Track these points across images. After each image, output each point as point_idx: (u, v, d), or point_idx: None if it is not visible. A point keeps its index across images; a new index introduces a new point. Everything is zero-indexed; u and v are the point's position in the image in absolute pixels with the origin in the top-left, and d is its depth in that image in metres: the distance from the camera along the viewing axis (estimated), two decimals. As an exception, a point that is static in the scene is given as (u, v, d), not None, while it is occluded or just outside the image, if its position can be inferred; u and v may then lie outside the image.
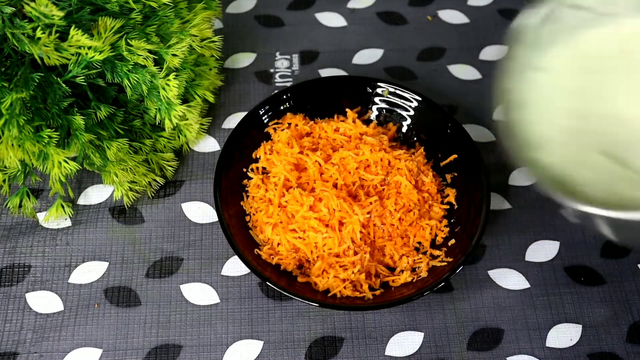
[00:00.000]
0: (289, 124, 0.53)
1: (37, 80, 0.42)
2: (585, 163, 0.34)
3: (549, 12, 0.36)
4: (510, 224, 0.51)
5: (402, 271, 0.47)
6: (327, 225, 0.47)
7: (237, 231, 0.47)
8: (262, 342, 0.46)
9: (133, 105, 0.50)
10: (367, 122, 0.54)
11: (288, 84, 0.58)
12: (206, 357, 0.46)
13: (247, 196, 0.51)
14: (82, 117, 0.45)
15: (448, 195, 0.50)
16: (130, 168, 0.49)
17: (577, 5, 0.36)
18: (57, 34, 0.41)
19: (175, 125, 0.50)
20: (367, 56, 0.61)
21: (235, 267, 0.49)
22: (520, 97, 0.36)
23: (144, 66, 0.46)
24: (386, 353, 0.46)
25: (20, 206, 0.50)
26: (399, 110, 0.54)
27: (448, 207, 0.50)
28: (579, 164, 0.34)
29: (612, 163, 0.33)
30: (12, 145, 0.42)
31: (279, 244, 0.48)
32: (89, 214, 0.51)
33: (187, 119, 0.51)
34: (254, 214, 0.50)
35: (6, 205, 0.50)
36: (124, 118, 0.49)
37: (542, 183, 0.34)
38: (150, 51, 0.46)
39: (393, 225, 0.48)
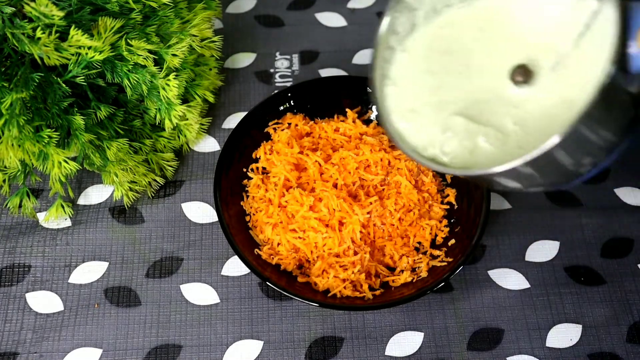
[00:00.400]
0: (289, 124, 0.53)
1: (37, 80, 0.42)
2: (448, 127, 0.37)
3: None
4: (510, 224, 0.51)
5: (402, 271, 0.47)
6: (327, 225, 0.47)
7: (237, 231, 0.47)
8: (262, 342, 0.46)
9: (133, 105, 0.50)
10: (367, 122, 0.54)
11: (288, 84, 0.58)
12: (206, 357, 0.46)
13: (247, 196, 0.51)
14: (82, 117, 0.45)
15: (448, 195, 0.50)
16: (130, 168, 0.49)
17: None
18: (57, 34, 0.41)
19: (175, 125, 0.50)
20: (367, 56, 0.61)
21: (235, 267, 0.49)
22: (389, 75, 0.41)
23: (144, 66, 0.46)
24: (386, 353, 0.46)
25: (20, 206, 0.50)
26: (399, 110, 0.54)
27: (448, 207, 0.50)
28: (443, 128, 0.37)
29: (470, 122, 0.37)
30: (12, 145, 0.42)
31: (279, 244, 0.48)
32: (89, 214, 0.51)
33: (187, 119, 0.51)
34: (254, 214, 0.50)
35: (6, 205, 0.50)
36: (124, 118, 0.49)
37: (408, 150, 0.38)
38: (150, 51, 0.46)
39: (393, 225, 0.48)
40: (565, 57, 0.34)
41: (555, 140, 0.30)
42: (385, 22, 0.40)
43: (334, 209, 0.47)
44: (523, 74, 0.35)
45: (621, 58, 0.29)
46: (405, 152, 0.38)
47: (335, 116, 0.54)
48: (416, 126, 0.39)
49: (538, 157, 0.30)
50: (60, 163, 0.44)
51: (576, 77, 0.34)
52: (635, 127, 0.33)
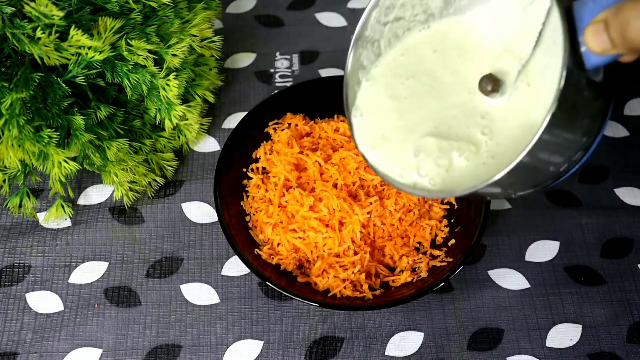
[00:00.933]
0: (289, 124, 0.53)
1: (37, 80, 0.42)
2: (421, 148, 0.38)
3: (361, 32, 0.41)
4: (510, 224, 0.51)
5: (402, 271, 0.47)
6: (327, 225, 0.47)
7: (237, 231, 0.47)
8: (262, 342, 0.46)
9: (133, 105, 0.50)
10: (367, 122, 0.54)
11: (288, 84, 0.58)
12: (206, 357, 0.46)
13: (247, 196, 0.51)
14: (82, 117, 0.45)
15: (448, 195, 0.50)
16: (130, 168, 0.49)
17: (385, 22, 0.40)
18: (57, 34, 0.41)
19: (175, 125, 0.50)
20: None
21: (235, 267, 0.49)
22: (358, 104, 0.41)
23: (144, 66, 0.46)
24: (386, 353, 0.46)
25: (20, 206, 0.50)
26: (399, 110, 0.54)
27: (448, 207, 0.50)
28: (415, 151, 0.38)
29: (441, 140, 0.37)
30: (12, 145, 0.42)
31: (279, 244, 0.48)
32: (89, 214, 0.51)
33: (187, 119, 0.51)
34: (254, 214, 0.50)
35: (6, 205, 0.50)
36: (124, 118, 0.49)
37: (386, 179, 0.39)
38: (150, 51, 0.46)
39: (393, 225, 0.48)
40: (530, 59, 0.34)
41: (523, 154, 0.30)
42: (349, 62, 0.41)
43: (334, 209, 0.47)
44: (491, 82, 0.35)
45: (575, 58, 0.29)
46: (384, 180, 0.39)
47: (335, 116, 0.54)
48: (388, 153, 0.39)
49: (513, 170, 0.31)
50: (60, 163, 0.44)
51: (540, 77, 0.34)
52: (608, 116, 0.33)
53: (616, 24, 0.27)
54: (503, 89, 0.36)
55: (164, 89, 0.47)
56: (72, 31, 0.41)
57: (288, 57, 0.60)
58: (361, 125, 0.41)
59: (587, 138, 0.33)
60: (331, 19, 0.63)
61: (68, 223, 0.51)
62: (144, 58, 0.45)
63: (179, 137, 0.53)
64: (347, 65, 0.41)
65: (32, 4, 0.39)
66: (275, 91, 0.57)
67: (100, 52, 0.43)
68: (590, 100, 0.32)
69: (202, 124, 0.54)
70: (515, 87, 0.35)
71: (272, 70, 0.59)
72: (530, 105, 0.34)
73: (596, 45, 0.29)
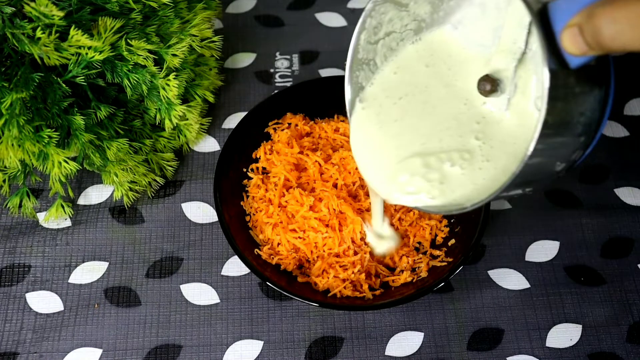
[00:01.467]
0: (289, 124, 0.53)
1: (37, 80, 0.42)
2: (405, 169, 0.38)
3: (354, 53, 0.40)
4: (510, 224, 0.51)
5: (402, 271, 0.47)
6: (327, 225, 0.47)
7: (237, 231, 0.47)
8: (262, 342, 0.46)
9: (133, 105, 0.50)
10: (367, 122, 0.54)
11: (288, 84, 0.58)
12: (206, 357, 0.46)
13: (247, 196, 0.51)
14: (82, 117, 0.45)
15: (448, 195, 0.50)
16: (130, 168, 0.49)
17: (376, 41, 0.40)
18: (57, 34, 0.41)
19: (175, 125, 0.50)
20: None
21: (235, 267, 0.49)
22: (352, 127, 0.41)
23: (144, 66, 0.46)
24: (386, 353, 0.46)
25: (20, 206, 0.50)
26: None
27: (448, 207, 0.50)
28: (397, 172, 0.38)
29: (428, 157, 0.37)
30: (12, 145, 0.42)
31: (279, 244, 0.48)
32: (89, 214, 0.51)
33: (187, 119, 0.51)
34: (254, 214, 0.50)
35: (6, 205, 0.50)
36: (124, 118, 0.49)
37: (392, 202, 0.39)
38: (150, 51, 0.46)
39: (393, 225, 0.48)
40: (525, 51, 0.34)
41: (520, 167, 0.30)
42: (348, 92, 0.41)
43: (334, 209, 0.47)
44: (489, 82, 0.35)
45: (558, 59, 0.29)
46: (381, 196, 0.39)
47: (335, 116, 0.54)
48: (383, 177, 0.39)
49: (513, 181, 0.30)
50: (60, 163, 0.44)
51: (531, 79, 0.34)
52: (609, 103, 0.33)
53: (589, 30, 0.27)
54: (502, 87, 0.36)
55: (164, 89, 0.47)
56: (72, 31, 0.41)
57: (288, 57, 0.60)
58: (358, 151, 0.41)
59: (585, 137, 0.33)
60: (331, 19, 0.63)
61: (68, 223, 0.51)
62: (144, 58, 0.45)
63: (179, 137, 0.53)
64: (347, 94, 0.41)
65: (32, 4, 0.39)
66: (275, 91, 0.57)
67: (100, 52, 0.43)
68: (585, 94, 0.32)
69: (202, 124, 0.54)
70: (514, 83, 0.35)
71: (272, 70, 0.59)
72: (522, 106, 0.34)
73: (574, 49, 0.28)
